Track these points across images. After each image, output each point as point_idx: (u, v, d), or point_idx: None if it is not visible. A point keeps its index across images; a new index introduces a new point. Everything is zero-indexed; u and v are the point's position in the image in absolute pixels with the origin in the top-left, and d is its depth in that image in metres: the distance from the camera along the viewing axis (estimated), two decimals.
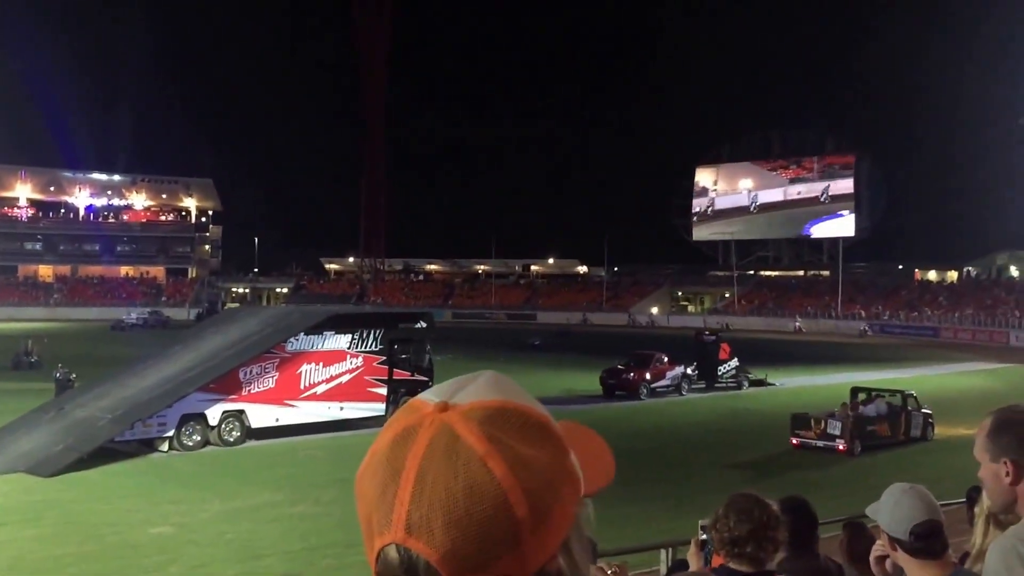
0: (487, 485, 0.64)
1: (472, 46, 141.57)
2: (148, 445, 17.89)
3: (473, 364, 37.68)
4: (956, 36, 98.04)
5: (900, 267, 77.44)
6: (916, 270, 76.23)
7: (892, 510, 2.41)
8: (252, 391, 19.27)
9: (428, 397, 0.71)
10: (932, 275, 75.69)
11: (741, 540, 2.47)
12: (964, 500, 4.26)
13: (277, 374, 19.71)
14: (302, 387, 20.08)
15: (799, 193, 77.93)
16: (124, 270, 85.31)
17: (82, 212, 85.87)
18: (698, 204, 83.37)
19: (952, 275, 74.08)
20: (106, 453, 16.86)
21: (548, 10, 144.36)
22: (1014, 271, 69.85)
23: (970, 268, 72.87)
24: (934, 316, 60.90)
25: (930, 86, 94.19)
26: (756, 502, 2.54)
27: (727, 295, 76.93)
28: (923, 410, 20.80)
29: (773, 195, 79.73)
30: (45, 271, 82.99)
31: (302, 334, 20.37)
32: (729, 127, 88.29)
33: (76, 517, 13.27)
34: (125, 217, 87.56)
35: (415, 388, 19.57)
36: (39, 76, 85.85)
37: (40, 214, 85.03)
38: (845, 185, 75.27)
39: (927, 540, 2.37)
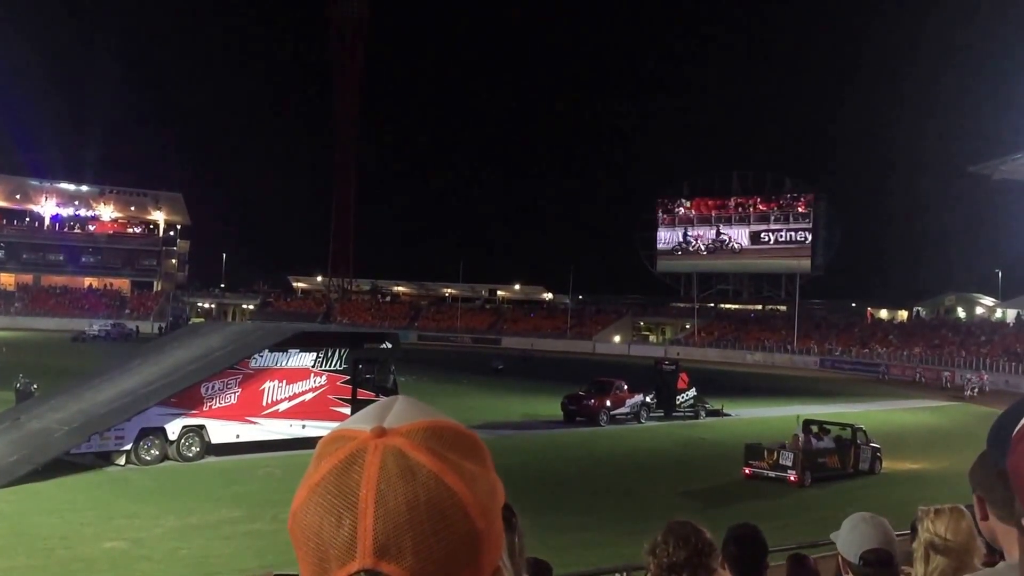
0: (448, 501, 0.66)
1: (444, 73, 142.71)
2: (105, 458, 17.68)
3: (437, 386, 37.64)
4: (911, 85, 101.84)
5: (853, 305, 79.58)
6: (868, 308, 78.38)
7: (848, 534, 2.59)
8: (213, 407, 19.17)
9: (357, 425, 0.71)
10: (883, 314, 77.87)
11: (678, 566, 2.51)
12: (908, 532, 4.47)
13: (240, 390, 19.63)
14: (264, 404, 20.02)
15: (758, 230, 79.82)
16: (88, 281, 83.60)
17: (47, 221, 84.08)
18: (660, 238, 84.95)
19: (902, 314, 76.26)
20: (61, 465, 16.63)
21: (519, 42, 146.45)
22: (961, 312, 72.11)
23: (919, 308, 75.12)
24: (884, 353, 62.58)
25: (887, 134, 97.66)
26: (693, 529, 2.57)
27: (688, 326, 78.09)
28: (872, 444, 21.40)
29: (733, 231, 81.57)
30: (7, 279, 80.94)
31: (267, 351, 20.34)
32: (691, 164, 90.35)
33: (27, 529, 13.09)
34: (91, 228, 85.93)
35: None
36: (7, 83, 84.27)
37: (4, 221, 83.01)
38: (802, 224, 77.35)
39: (875, 567, 2.49)
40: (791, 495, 18.14)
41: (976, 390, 43.36)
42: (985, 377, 46.73)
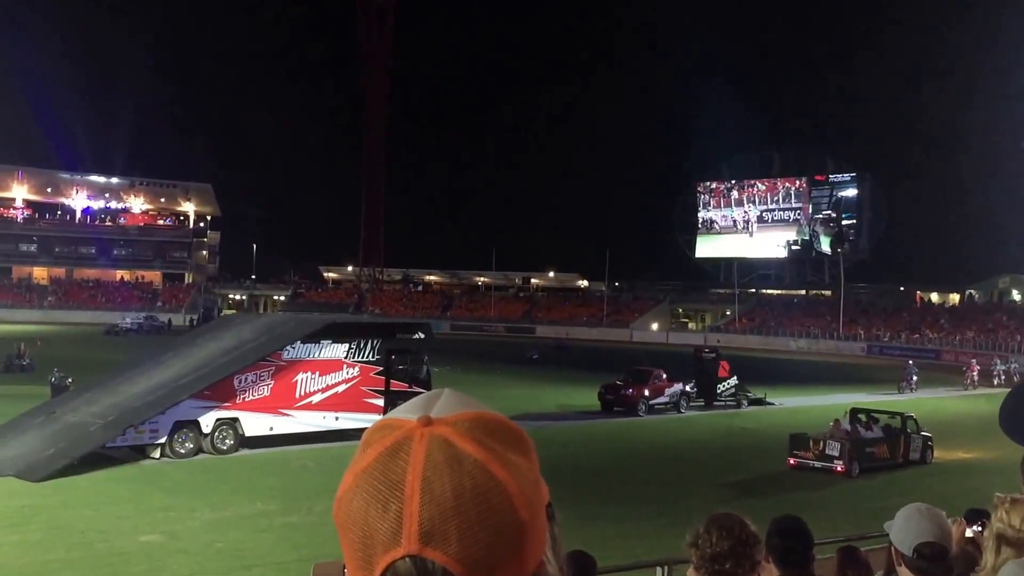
0: (494, 490, 0.66)
1: (474, 58, 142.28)
2: (140, 451, 17.73)
3: (470, 376, 37.46)
4: (959, 59, 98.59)
5: (902, 288, 77.24)
6: (918, 292, 76.08)
7: (903, 526, 2.52)
8: (247, 399, 19.11)
9: (403, 415, 0.71)
10: (934, 297, 75.58)
11: (722, 556, 2.49)
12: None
13: (272, 382, 19.55)
14: (297, 396, 19.93)
15: (801, 212, 78.00)
16: (120, 274, 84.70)
17: (79, 214, 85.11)
18: (700, 221, 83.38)
19: (954, 298, 73.95)
20: (97, 459, 16.72)
21: (548, 20, 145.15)
22: (1016, 295, 69.67)
23: (972, 291, 72.69)
24: (935, 339, 60.75)
25: (934, 108, 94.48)
26: (737, 520, 2.56)
27: (728, 313, 76.82)
28: (923, 433, 20.67)
29: (775, 214, 79.79)
30: (40, 273, 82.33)
31: (299, 342, 20.23)
32: (731, 145, 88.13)
33: (64, 523, 13.15)
34: (122, 220, 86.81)
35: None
36: (38, 76, 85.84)
37: (36, 215, 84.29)
38: (847, 205, 75.33)
39: (929, 561, 2.42)
40: (837, 486, 17.57)
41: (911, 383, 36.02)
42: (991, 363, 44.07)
